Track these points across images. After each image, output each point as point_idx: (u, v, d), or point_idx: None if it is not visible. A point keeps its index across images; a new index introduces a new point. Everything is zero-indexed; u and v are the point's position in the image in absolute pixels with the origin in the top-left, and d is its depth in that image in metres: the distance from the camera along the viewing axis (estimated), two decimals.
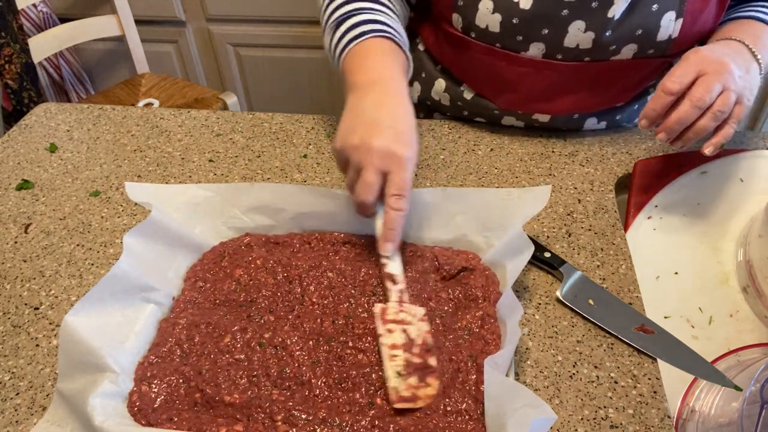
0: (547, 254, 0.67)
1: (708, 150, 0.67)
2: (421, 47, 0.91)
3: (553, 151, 0.85)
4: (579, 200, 0.77)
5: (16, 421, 0.55)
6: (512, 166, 0.83)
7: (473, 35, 0.80)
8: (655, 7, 0.73)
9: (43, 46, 1.62)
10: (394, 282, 0.61)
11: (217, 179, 0.82)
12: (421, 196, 0.68)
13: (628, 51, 0.77)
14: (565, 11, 0.73)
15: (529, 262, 0.67)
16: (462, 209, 0.67)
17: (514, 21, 0.75)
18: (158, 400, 0.54)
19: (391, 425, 0.51)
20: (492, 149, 0.86)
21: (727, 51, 0.68)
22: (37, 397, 0.57)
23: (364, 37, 0.71)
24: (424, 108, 0.95)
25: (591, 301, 0.63)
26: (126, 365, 0.55)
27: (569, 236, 0.72)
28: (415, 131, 0.63)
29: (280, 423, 0.52)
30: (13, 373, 0.59)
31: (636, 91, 0.85)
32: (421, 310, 0.60)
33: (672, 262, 0.69)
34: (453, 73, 0.88)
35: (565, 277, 0.65)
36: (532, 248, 0.60)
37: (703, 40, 0.79)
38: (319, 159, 0.85)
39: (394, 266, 0.62)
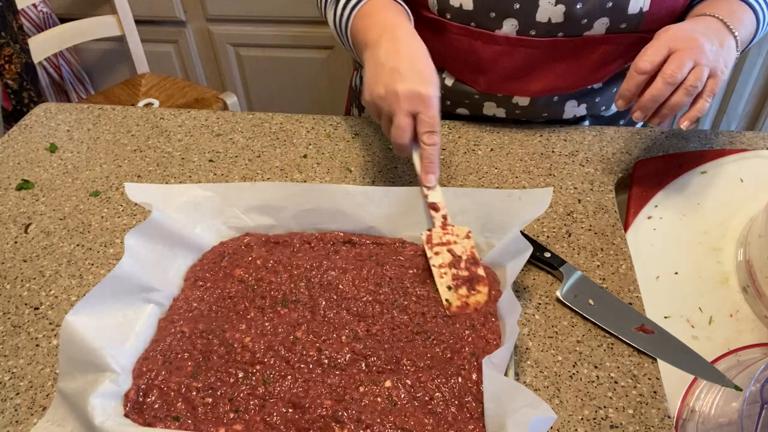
0: (547, 254, 0.67)
1: (684, 124, 0.68)
2: None
3: (553, 151, 0.85)
4: (579, 200, 0.77)
5: (16, 421, 0.55)
6: (512, 166, 0.83)
7: (449, 16, 0.82)
8: None
9: (43, 46, 1.62)
10: (437, 210, 0.67)
11: (217, 179, 0.82)
12: (422, 196, 0.68)
13: (601, 25, 0.78)
14: None
15: (529, 262, 0.67)
16: (462, 209, 0.68)
17: None
18: (156, 398, 0.54)
19: (395, 424, 0.51)
20: (492, 149, 0.86)
21: (699, 27, 0.69)
22: (37, 397, 0.57)
23: (363, 2, 0.76)
24: None
25: (591, 301, 0.63)
26: (126, 365, 0.55)
27: (569, 236, 0.72)
28: (433, 67, 0.68)
29: (279, 421, 0.52)
30: (13, 373, 0.59)
31: (612, 70, 0.85)
32: (464, 229, 0.66)
33: (672, 262, 0.69)
34: (433, 60, 0.89)
35: (565, 277, 0.65)
36: (531, 249, 0.60)
37: (679, 16, 0.80)
38: (319, 159, 0.85)
39: (436, 196, 0.68)
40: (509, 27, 0.79)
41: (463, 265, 0.63)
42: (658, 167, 0.80)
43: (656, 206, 0.75)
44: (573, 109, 0.88)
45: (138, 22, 1.76)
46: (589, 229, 0.73)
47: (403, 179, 0.81)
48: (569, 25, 0.78)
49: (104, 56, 2.08)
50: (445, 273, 0.63)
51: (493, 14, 0.78)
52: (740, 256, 0.68)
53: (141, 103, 1.69)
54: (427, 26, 0.86)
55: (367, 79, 0.69)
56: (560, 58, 0.82)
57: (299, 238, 0.69)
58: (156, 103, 1.70)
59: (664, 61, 0.66)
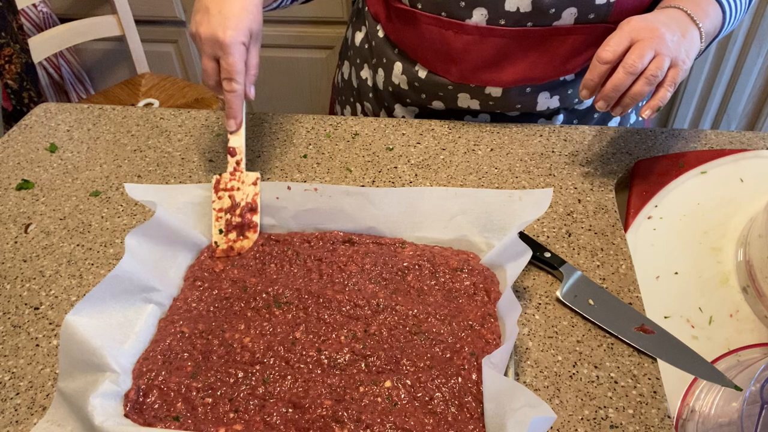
0: (547, 254, 0.67)
1: (645, 114, 0.69)
2: (380, 33, 0.93)
3: (553, 151, 0.85)
4: (579, 200, 0.77)
5: (16, 421, 0.55)
6: (512, 166, 0.83)
7: (420, 6, 0.82)
8: None
9: (43, 46, 1.62)
10: (233, 155, 0.71)
11: None
12: (422, 196, 0.68)
13: (569, 15, 0.78)
14: None
15: (529, 262, 0.67)
16: (462, 209, 0.67)
17: None
18: (156, 399, 0.54)
19: (395, 424, 0.51)
20: (492, 149, 0.86)
21: (662, 18, 0.70)
22: (37, 397, 0.57)
23: None
24: (389, 96, 0.97)
25: (591, 301, 0.63)
26: (126, 365, 0.55)
27: (569, 236, 0.72)
28: (250, 8, 0.68)
29: (278, 420, 0.52)
30: (13, 373, 0.59)
31: (583, 61, 0.86)
32: (253, 175, 0.70)
33: (672, 262, 0.69)
34: (407, 53, 0.91)
35: (565, 277, 0.65)
36: (531, 253, 0.60)
37: (647, 7, 0.80)
38: (319, 159, 0.85)
39: (235, 141, 0.71)
40: (479, 16, 0.80)
41: (238, 211, 0.68)
42: (658, 167, 0.80)
43: (656, 206, 0.75)
44: (546, 101, 0.89)
45: (138, 22, 1.76)
46: (589, 229, 0.73)
47: (403, 179, 0.81)
48: (537, 14, 0.78)
49: (104, 56, 2.08)
50: (221, 217, 0.68)
51: (463, 3, 0.79)
52: (740, 256, 0.68)
53: (141, 103, 1.69)
54: (399, 17, 0.87)
55: (194, 9, 0.70)
56: (531, 47, 0.82)
57: (299, 237, 0.69)
58: (156, 103, 1.70)
59: (627, 51, 0.67)
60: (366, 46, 0.99)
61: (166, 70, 2.01)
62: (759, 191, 0.75)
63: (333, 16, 1.84)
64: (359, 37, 1.00)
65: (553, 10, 0.78)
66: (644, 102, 0.70)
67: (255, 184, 0.69)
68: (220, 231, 0.67)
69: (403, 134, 0.89)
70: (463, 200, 0.68)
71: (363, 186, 0.79)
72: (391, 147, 0.87)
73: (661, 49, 0.66)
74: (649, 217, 0.74)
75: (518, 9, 0.78)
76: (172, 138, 0.90)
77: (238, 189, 0.69)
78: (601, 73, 0.68)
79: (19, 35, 1.56)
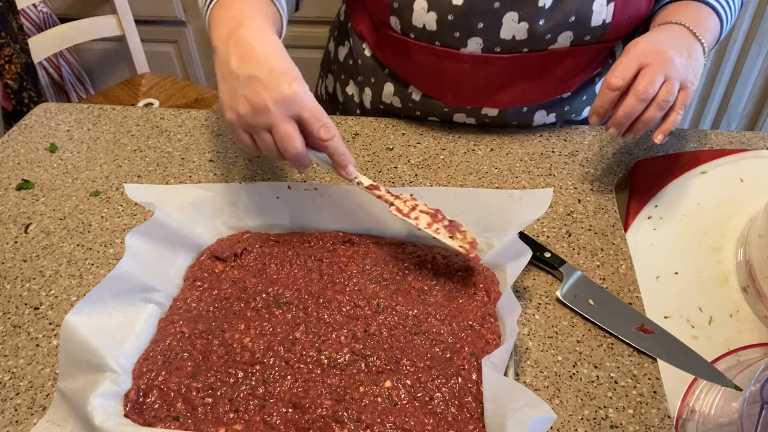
0: (547, 254, 0.67)
1: (658, 138, 0.69)
2: (368, 53, 0.91)
3: (553, 151, 0.85)
4: (579, 200, 0.77)
5: (16, 421, 0.55)
6: (512, 166, 0.83)
7: (412, 36, 0.80)
8: None
9: (43, 46, 1.62)
10: (377, 188, 0.65)
11: (217, 179, 0.82)
12: (422, 196, 0.68)
13: (565, 39, 0.77)
14: (497, 3, 0.74)
15: (529, 262, 0.67)
16: (463, 209, 0.67)
17: (449, 17, 0.76)
18: (156, 399, 0.54)
19: (395, 424, 0.51)
20: (492, 149, 0.86)
21: (667, 38, 0.69)
22: (37, 397, 0.57)
23: None
24: (378, 113, 0.95)
25: (591, 301, 0.63)
26: (126, 365, 0.55)
27: (569, 236, 0.72)
28: (289, 59, 0.61)
29: (278, 419, 0.52)
30: (13, 373, 0.59)
31: (580, 80, 0.85)
32: (407, 193, 0.66)
33: (672, 262, 0.69)
34: (399, 76, 0.88)
35: (565, 277, 0.65)
36: (530, 253, 0.60)
37: (643, 24, 0.80)
38: None
39: (365, 179, 0.65)
40: (474, 45, 0.78)
41: (440, 216, 0.64)
42: (658, 167, 0.80)
43: (656, 206, 0.75)
44: (542, 117, 0.88)
45: (138, 22, 1.76)
46: (589, 229, 0.73)
47: (403, 179, 0.81)
48: (533, 40, 0.77)
49: (104, 56, 2.08)
50: (438, 229, 0.63)
51: (458, 34, 0.77)
52: (740, 256, 0.68)
53: (141, 103, 1.69)
54: (390, 43, 0.85)
55: (224, 94, 0.61)
56: (527, 72, 0.81)
57: (299, 238, 0.69)
58: (156, 103, 1.70)
59: (636, 76, 0.66)
60: (350, 62, 0.96)
61: (166, 70, 2.01)
62: (759, 191, 0.75)
63: (331, 16, 1.84)
64: (343, 51, 0.98)
65: (549, 35, 0.77)
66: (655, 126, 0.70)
67: (414, 198, 0.66)
68: (451, 238, 0.63)
69: (403, 134, 0.89)
70: (463, 200, 0.68)
71: None
72: (391, 147, 0.87)
73: (670, 73, 0.66)
74: (649, 217, 0.74)
75: (514, 37, 0.77)
76: (172, 138, 0.90)
77: (416, 204, 0.65)
78: (611, 100, 0.67)
79: (19, 35, 1.56)
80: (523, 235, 0.68)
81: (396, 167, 0.83)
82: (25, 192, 0.82)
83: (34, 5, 1.79)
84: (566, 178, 0.81)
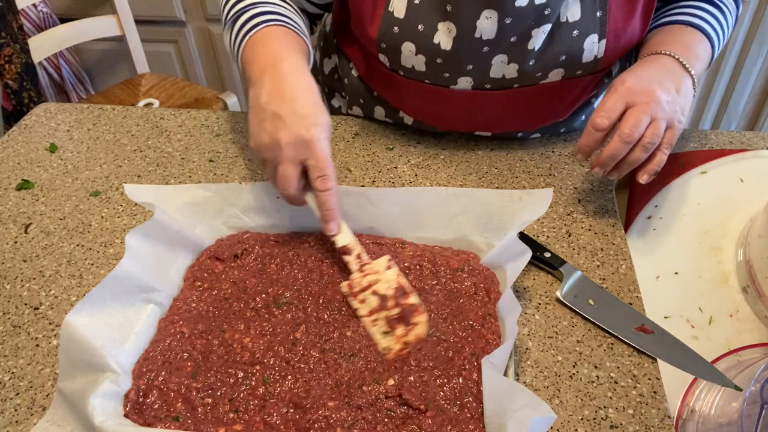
0: (547, 254, 0.67)
1: (642, 179, 0.68)
2: (354, 73, 0.90)
3: (553, 151, 0.85)
4: (579, 200, 0.77)
5: (16, 421, 0.55)
6: (512, 166, 0.83)
7: (402, 73, 0.79)
8: (575, 33, 0.72)
9: (43, 46, 1.62)
10: (349, 253, 0.63)
11: (217, 179, 0.82)
12: (422, 196, 0.68)
13: (556, 75, 0.77)
14: (486, 48, 0.73)
15: (529, 262, 0.67)
16: (463, 209, 0.67)
17: (438, 60, 0.75)
18: (156, 399, 0.54)
19: (396, 423, 0.51)
20: (492, 149, 0.86)
21: (655, 74, 0.68)
22: (37, 397, 0.57)
23: (258, 28, 0.70)
24: None
25: (591, 301, 0.63)
26: (126, 365, 0.55)
27: (569, 236, 0.72)
28: (319, 102, 0.64)
29: (278, 419, 0.52)
30: (13, 373, 0.59)
31: (574, 106, 0.84)
32: (383, 260, 0.62)
33: (672, 262, 0.69)
34: (391, 104, 0.88)
35: (565, 277, 0.65)
36: (530, 253, 0.60)
37: (633, 51, 0.79)
38: None
39: (343, 238, 0.63)
40: (465, 83, 0.77)
41: (391, 303, 0.60)
42: None
43: (656, 206, 0.75)
44: (536, 138, 0.88)
45: (138, 22, 1.76)
46: (589, 229, 0.73)
47: (403, 179, 0.81)
48: (524, 78, 0.76)
49: (104, 56, 2.08)
50: (376, 320, 0.59)
51: (447, 74, 0.77)
52: (740, 256, 0.68)
53: (141, 103, 1.70)
54: (380, 76, 0.83)
55: (252, 125, 0.64)
56: (519, 105, 0.81)
57: (299, 238, 0.69)
58: (156, 103, 1.70)
59: (622, 115, 0.65)
60: (336, 77, 0.95)
61: (166, 70, 2.01)
62: (759, 191, 0.75)
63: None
64: (329, 64, 0.96)
65: (540, 73, 0.76)
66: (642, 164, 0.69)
67: (389, 267, 0.62)
68: (385, 333, 0.58)
69: (403, 134, 0.89)
70: (463, 200, 0.68)
71: (363, 186, 0.79)
72: (391, 147, 0.87)
73: (657, 113, 0.64)
74: (649, 217, 0.74)
75: (504, 76, 0.76)
76: (172, 138, 0.90)
77: (377, 281, 0.61)
78: (597, 140, 0.66)
79: (19, 35, 1.56)
80: (523, 235, 0.68)
81: (396, 167, 0.83)
82: (25, 192, 0.82)
83: (34, 5, 1.79)
84: (566, 178, 0.81)
